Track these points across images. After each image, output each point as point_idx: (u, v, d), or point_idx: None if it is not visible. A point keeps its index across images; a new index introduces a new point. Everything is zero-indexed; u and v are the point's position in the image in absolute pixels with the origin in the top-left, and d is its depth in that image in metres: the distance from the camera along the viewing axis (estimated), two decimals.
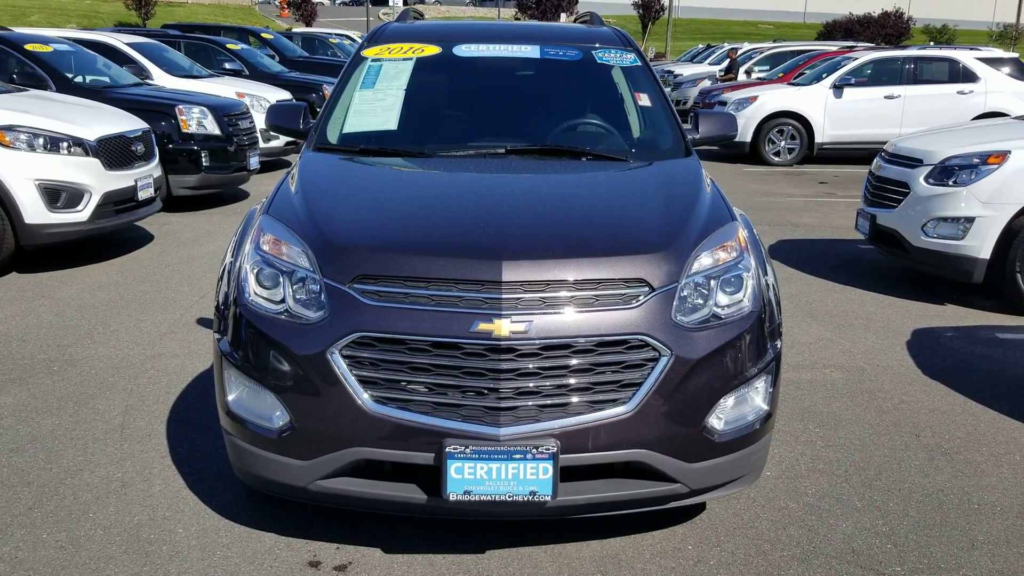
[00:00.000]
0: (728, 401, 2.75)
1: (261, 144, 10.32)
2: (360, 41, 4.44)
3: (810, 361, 4.92)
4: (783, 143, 13.65)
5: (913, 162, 6.34)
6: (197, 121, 8.74)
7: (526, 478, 2.52)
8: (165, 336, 5.08)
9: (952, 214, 5.96)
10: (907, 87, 13.38)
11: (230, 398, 2.84)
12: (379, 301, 2.59)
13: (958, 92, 13.35)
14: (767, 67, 20.40)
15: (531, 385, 2.54)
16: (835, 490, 3.42)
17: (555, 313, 2.56)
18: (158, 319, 5.39)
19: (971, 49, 14.38)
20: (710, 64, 24.37)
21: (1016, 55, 14.51)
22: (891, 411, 4.23)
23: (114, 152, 6.75)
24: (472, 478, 2.52)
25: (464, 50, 4.11)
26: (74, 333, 5.10)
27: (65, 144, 6.36)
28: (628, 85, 4.19)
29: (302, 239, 2.81)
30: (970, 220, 5.88)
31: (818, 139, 13.47)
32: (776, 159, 13.67)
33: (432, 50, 4.11)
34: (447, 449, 2.51)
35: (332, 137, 3.81)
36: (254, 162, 9.54)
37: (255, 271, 2.82)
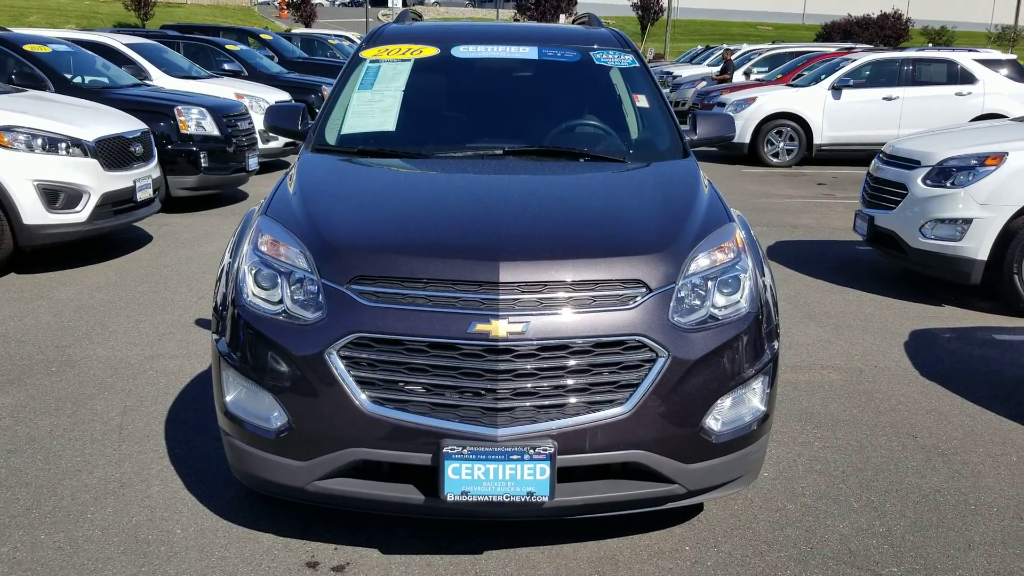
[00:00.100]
0: (725, 402, 2.76)
1: (260, 145, 10.32)
2: (359, 42, 4.44)
3: (808, 362, 4.92)
4: (782, 144, 13.67)
5: (911, 163, 6.35)
6: (196, 122, 8.74)
7: (523, 479, 2.53)
8: (164, 337, 5.08)
9: (950, 215, 5.97)
10: (905, 89, 13.40)
11: (228, 399, 2.85)
12: (377, 302, 2.59)
13: (956, 94, 13.37)
14: (766, 68, 20.42)
15: (528, 386, 2.54)
16: (832, 491, 3.43)
17: (552, 314, 2.56)
18: (156, 320, 5.39)
19: (969, 51, 14.41)
20: (709, 65, 24.41)
21: (1014, 57, 14.53)
22: (888, 412, 4.24)
23: (113, 153, 6.75)
24: (470, 479, 2.53)
25: (462, 51, 4.12)
26: (72, 334, 5.10)
27: (64, 145, 6.36)
28: (626, 86, 4.20)
29: (300, 240, 2.81)
30: (968, 221, 5.89)
31: (817, 140, 13.49)
32: (775, 160, 13.69)
33: (430, 51, 4.11)
34: (444, 450, 2.51)
35: (330, 138, 3.82)
36: (253, 163, 9.54)
37: (253, 272, 2.82)
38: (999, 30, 63.98)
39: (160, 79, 10.72)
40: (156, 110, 8.54)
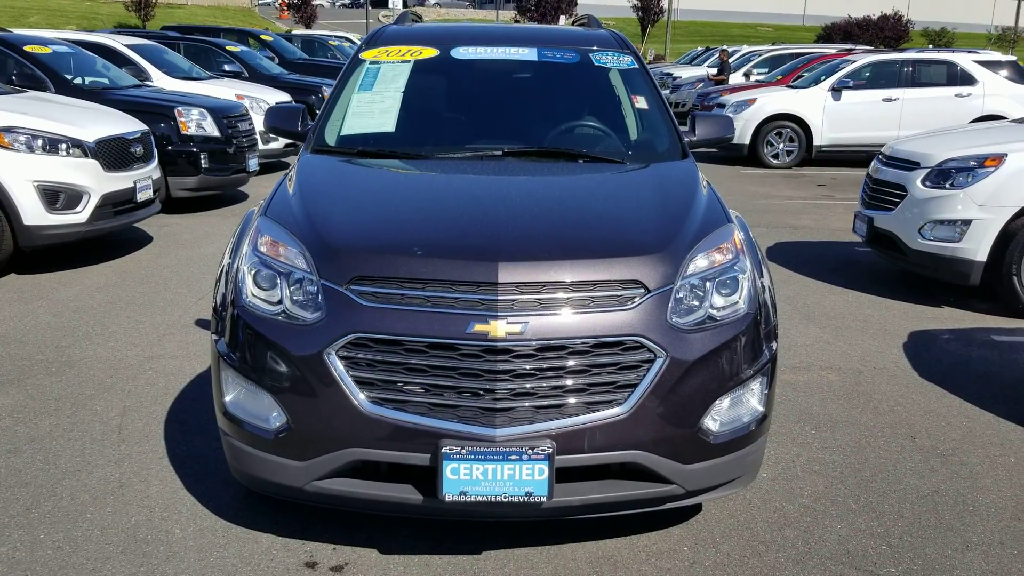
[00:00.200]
0: (723, 403, 2.76)
1: (260, 146, 10.33)
2: (359, 43, 4.45)
3: (806, 363, 4.93)
4: (781, 145, 13.68)
5: (910, 165, 6.36)
6: (196, 123, 8.75)
7: (522, 479, 2.54)
8: (163, 337, 5.09)
9: (949, 216, 5.97)
10: (905, 90, 13.41)
11: (227, 399, 2.85)
12: (376, 302, 2.60)
13: (956, 95, 13.38)
14: (766, 69, 20.43)
15: (527, 386, 2.55)
16: (830, 492, 3.44)
17: (551, 314, 2.57)
18: (156, 320, 5.40)
19: (969, 52, 14.45)
20: (709, 67, 24.42)
21: (1014, 58, 14.54)
22: (887, 413, 4.24)
23: (113, 154, 6.76)
24: (468, 479, 2.53)
25: (462, 52, 4.12)
26: (72, 334, 5.11)
27: (64, 145, 6.37)
28: (625, 87, 4.20)
29: (299, 240, 2.82)
30: (967, 223, 5.90)
31: (816, 142, 13.50)
32: (774, 161, 13.69)
33: (430, 52, 4.12)
34: (443, 450, 2.52)
35: (330, 139, 3.83)
36: (253, 164, 9.55)
37: (252, 272, 2.83)
38: (999, 32, 64.01)
39: (160, 80, 10.73)
40: (156, 111, 8.55)
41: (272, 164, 11.81)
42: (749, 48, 26.07)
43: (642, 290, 2.66)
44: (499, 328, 2.51)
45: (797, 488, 3.46)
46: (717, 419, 2.76)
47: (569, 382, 2.57)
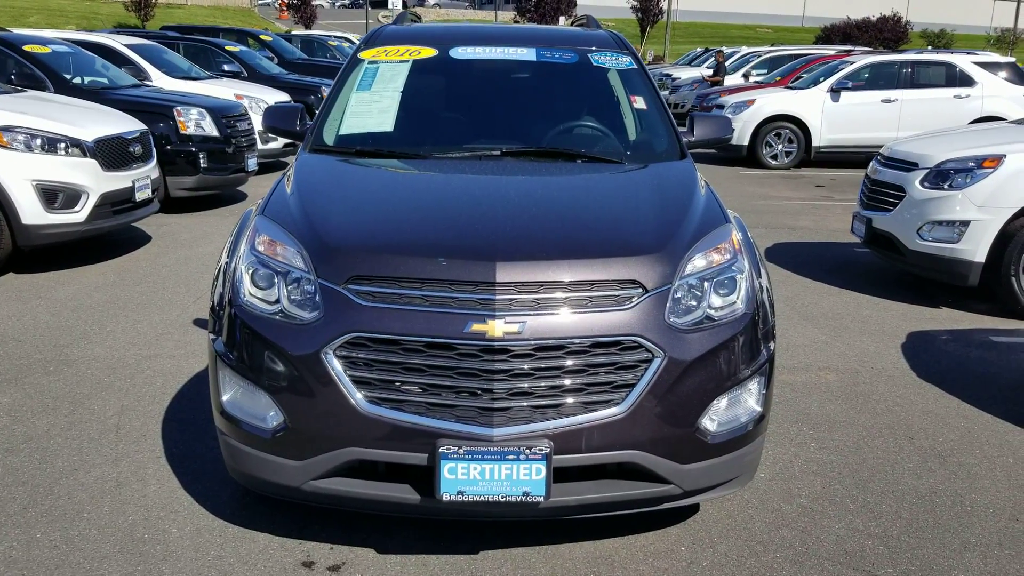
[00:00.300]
0: (721, 402, 2.76)
1: (259, 146, 10.33)
2: (358, 43, 4.45)
3: (805, 363, 4.93)
4: (780, 146, 13.68)
5: (909, 165, 6.36)
6: (195, 122, 8.75)
7: (519, 479, 2.53)
8: (161, 337, 5.08)
9: (947, 217, 5.98)
10: (904, 91, 13.41)
11: (224, 398, 2.85)
12: (373, 302, 2.60)
13: (955, 96, 13.39)
14: (765, 70, 20.44)
15: (525, 386, 2.54)
16: (828, 492, 3.43)
17: (549, 314, 2.57)
18: (154, 320, 5.40)
19: (968, 53, 14.45)
20: (707, 67, 24.42)
21: (1013, 60, 14.56)
22: (885, 413, 4.24)
23: (112, 153, 6.76)
24: (465, 478, 2.53)
25: (460, 52, 4.12)
26: (70, 333, 5.10)
27: (63, 145, 6.37)
28: (623, 88, 4.20)
29: (297, 240, 2.82)
30: (965, 224, 5.90)
31: (815, 143, 13.50)
32: (773, 162, 13.70)
33: (428, 52, 4.12)
34: (440, 449, 2.51)
35: (328, 139, 3.82)
36: (252, 164, 9.55)
37: (250, 272, 2.83)
38: (998, 33, 64.06)
39: (160, 80, 10.74)
40: (155, 111, 8.55)
41: (271, 164, 11.81)
42: (748, 49, 26.07)
43: (640, 290, 2.66)
44: (497, 328, 2.51)
45: (795, 488, 3.46)
46: (715, 419, 2.76)
47: (567, 382, 2.57)
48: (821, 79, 13.76)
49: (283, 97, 11.72)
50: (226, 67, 13.43)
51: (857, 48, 25.63)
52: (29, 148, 6.22)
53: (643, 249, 2.77)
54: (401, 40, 4.24)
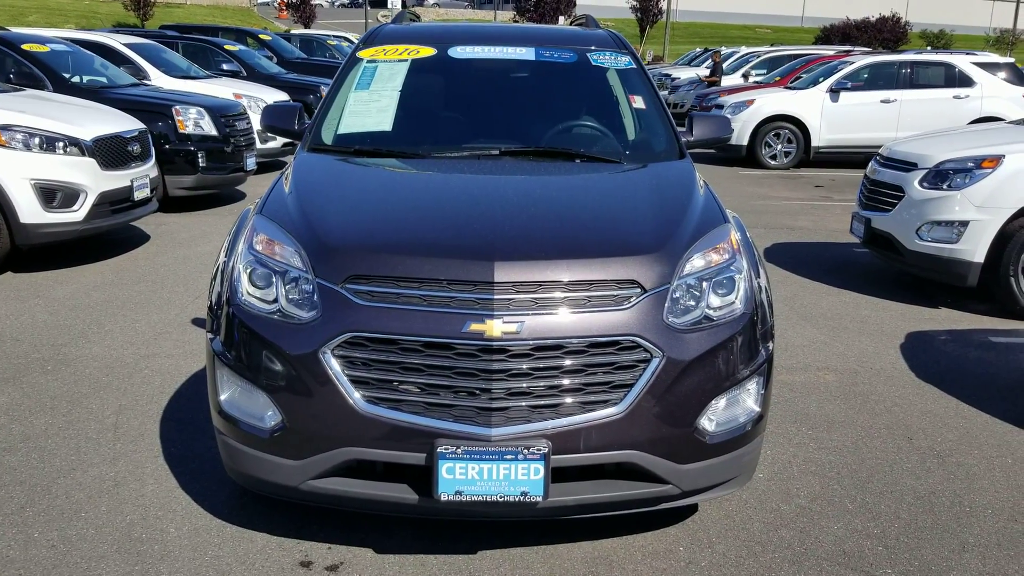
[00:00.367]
0: (719, 403, 2.76)
1: (258, 145, 10.33)
2: (356, 42, 4.45)
3: (803, 364, 4.93)
4: (779, 147, 13.68)
5: (908, 166, 6.36)
6: (194, 122, 8.74)
7: (517, 479, 2.53)
8: (159, 336, 5.08)
9: (946, 218, 5.97)
10: (903, 91, 13.42)
11: (222, 398, 2.84)
12: (371, 301, 2.59)
13: (954, 97, 13.39)
14: (764, 70, 20.43)
15: (523, 386, 2.54)
16: (827, 492, 3.43)
17: (547, 314, 2.56)
18: (153, 319, 5.39)
19: (967, 54, 14.45)
20: (706, 67, 24.44)
21: (1012, 60, 14.57)
22: (884, 414, 4.24)
23: (110, 152, 6.75)
24: (463, 478, 2.53)
25: (459, 52, 4.12)
26: (68, 333, 5.10)
27: (61, 144, 6.36)
28: (622, 87, 4.20)
29: (295, 239, 2.81)
30: (964, 224, 5.90)
31: (814, 143, 13.50)
32: (772, 162, 13.70)
33: (427, 51, 4.11)
34: (439, 449, 2.51)
35: (327, 138, 3.82)
36: (251, 163, 9.55)
37: (248, 271, 2.82)
38: (997, 34, 64.07)
39: (159, 79, 10.73)
40: (154, 110, 8.54)
41: (270, 163, 11.80)
42: (748, 49, 26.06)
43: (638, 290, 2.66)
44: (495, 327, 2.51)
45: (793, 489, 3.45)
46: (713, 419, 2.76)
47: (565, 382, 2.56)
48: (820, 79, 13.76)
49: (282, 96, 11.71)
50: (225, 66, 13.43)
51: (856, 48, 25.62)
52: (27, 147, 6.21)
53: (641, 249, 2.77)
54: (400, 39, 4.23)
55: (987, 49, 40.09)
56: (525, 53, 4.14)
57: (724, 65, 21.12)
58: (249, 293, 2.78)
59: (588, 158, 3.70)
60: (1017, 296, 5.85)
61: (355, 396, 2.56)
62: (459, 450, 2.51)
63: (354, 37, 26.53)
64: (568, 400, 2.57)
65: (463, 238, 2.78)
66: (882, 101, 13.37)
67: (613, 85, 4.24)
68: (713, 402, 2.73)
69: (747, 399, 2.86)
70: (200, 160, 8.72)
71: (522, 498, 2.55)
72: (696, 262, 2.80)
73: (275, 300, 2.72)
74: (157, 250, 7.29)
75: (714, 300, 2.77)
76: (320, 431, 2.61)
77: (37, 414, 3.96)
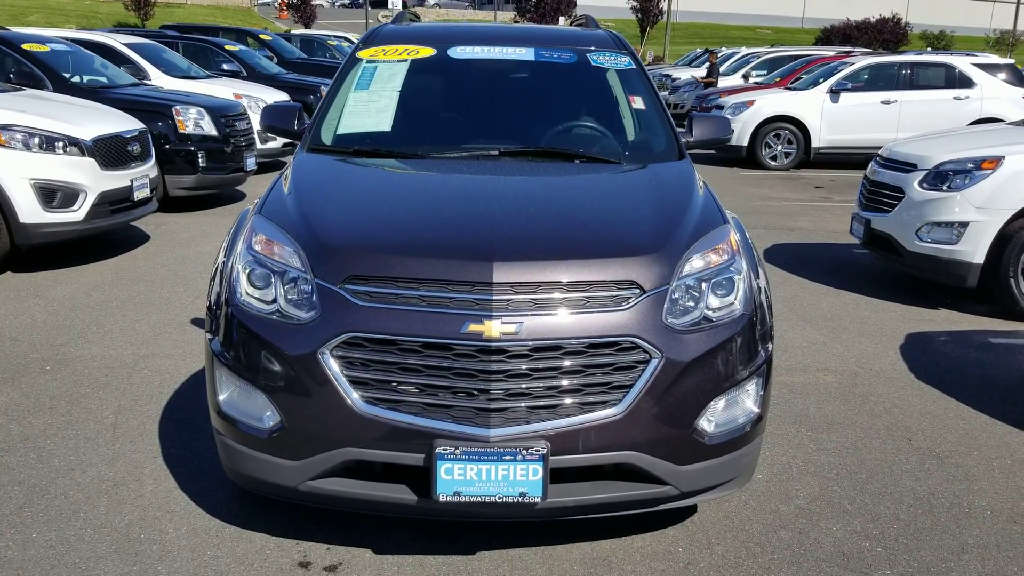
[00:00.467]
0: (719, 404, 2.76)
1: (258, 145, 10.32)
2: (356, 42, 4.45)
3: (803, 364, 4.92)
4: (780, 147, 13.68)
5: (908, 167, 6.36)
6: (194, 122, 8.74)
7: (516, 479, 2.53)
8: (159, 336, 5.08)
9: (946, 219, 5.97)
10: (903, 92, 13.42)
11: (221, 398, 2.84)
12: (370, 302, 2.59)
13: (954, 98, 13.40)
14: (764, 71, 20.44)
15: (522, 386, 2.54)
16: (826, 493, 3.43)
17: (546, 314, 2.56)
18: (152, 319, 5.39)
19: (967, 55, 14.45)
20: (706, 68, 24.44)
21: (1012, 61, 14.57)
22: (883, 415, 4.24)
23: (110, 152, 6.75)
24: (462, 479, 2.53)
25: (459, 52, 4.11)
26: (68, 333, 5.10)
27: (61, 144, 6.36)
28: (622, 88, 4.20)
29: (294, 239, 2.81)
30: (964, 225, 5.90)
31: (814, 144, 13.51)
32: (772, 163, 13.70)
33: (427, 52, 4.11)
34: (437, 450, 2.51)
35: (326, 138, 3.82)
36: (251, 163, 9.55)
37: (247, 271, 2.82)
38: (998, 35, 64.06)
39: (159, 79, 10.73)
40: (154, 110, 8.54)
41: (270, 163, 11.80)
42: (748, 50, 26.05)
43: (637, 291, 2.66)
44: (494, 328, 2.51)
45: (793, 490, 3.45)
46: (712, 420, 2.75)
47: (564, 382, 2.56)
48: (820, 80, 13.76)
49: (282, 97, 11.71)
50: (225, 66, 13.43)
51: (856, 49, 25.62)
52: (27, 147, 6.21)
53: (641, 250, 2.77)
54: (399, 39, 4.23)
55: (987, 50, 40.08)
56: (525, 53, 4.14)
57: (724, 66, 21.12)
58: (248, 293, 2.78)
59: (587, 159, 3.70)
60: (1017, 297, 5.85)
61: (354, 396, 2.56)
62: (458, 451, 2.51)
63: (354, 37, 26.53)
64: (567, 401, 2.56)
65: (462, 239, 2.78)
66: (882, 102, 13.37)
67: (613, 85, 4.24)
68: (712, 403, 2.72)
69: (746, 400, 2.85)
70: (200, 160, 8.72)
71: (521, 499, 2.54)
72: (695, 263, 2.80)
73: (274, 300, 2.72)
74: (157, 250, 7.29)
75: (713, 301, 2.77)
76: (319, 431, 2.61)
77: (36, 414, 3.96)
